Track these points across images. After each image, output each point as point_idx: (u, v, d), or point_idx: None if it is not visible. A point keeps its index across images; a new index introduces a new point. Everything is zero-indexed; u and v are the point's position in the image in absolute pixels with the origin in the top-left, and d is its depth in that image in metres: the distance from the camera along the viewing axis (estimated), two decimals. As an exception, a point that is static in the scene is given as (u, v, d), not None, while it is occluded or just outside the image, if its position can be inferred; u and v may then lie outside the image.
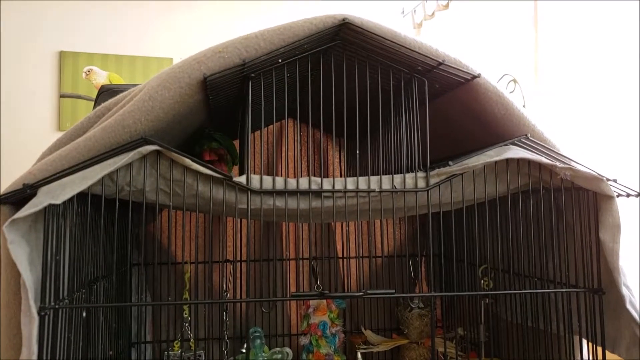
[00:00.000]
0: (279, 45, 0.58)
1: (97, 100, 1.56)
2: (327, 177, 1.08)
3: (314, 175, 1.11)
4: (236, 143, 1.02)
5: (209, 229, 1.00)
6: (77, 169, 0.57)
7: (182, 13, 3.06)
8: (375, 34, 0.60)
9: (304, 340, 0.99)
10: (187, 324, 0.97)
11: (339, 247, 1.07)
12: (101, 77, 2.94)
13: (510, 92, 2.65)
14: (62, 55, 2.89)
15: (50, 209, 0.56)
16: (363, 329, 1.05)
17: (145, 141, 0.57)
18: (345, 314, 1.05)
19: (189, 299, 0.98)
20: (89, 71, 2.93)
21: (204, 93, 0.62)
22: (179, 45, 3.03)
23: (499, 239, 0.74)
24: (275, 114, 0.63)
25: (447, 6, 3.11)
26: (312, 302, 0.99)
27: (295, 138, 1.06)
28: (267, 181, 0.62)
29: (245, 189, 0.61)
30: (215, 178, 0.60)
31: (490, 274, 0.90)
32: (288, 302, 1.04)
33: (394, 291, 0.60)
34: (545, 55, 2.42)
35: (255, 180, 0.62)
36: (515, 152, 0.63)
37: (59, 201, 0.55)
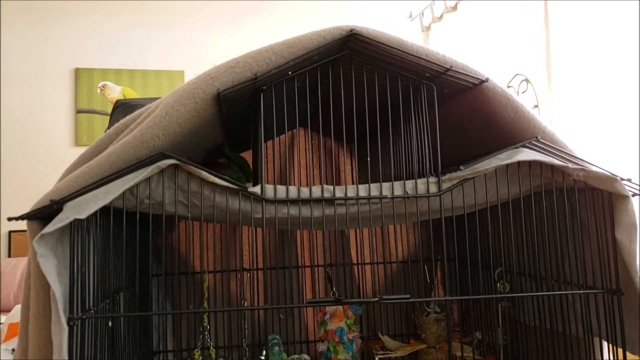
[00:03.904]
0: (289, 58, 0.60)
1: (113, 115, 1.60)
2: (339, 184, 1.10)
3: (327, 183, 1.13)
4: (248, 154, 1.04)
5: (225, 239, 1.02)
6: (99, 184, 0.59)
7: (191, 27, 3.11)
8: (382, 43, 0.61)
9: (321, 347, 1.00)
10: (206, 333, 0.99)
11: (353, 253, 1.08)
12: (115, 91, 3.01)
13: (523, 92, 2.64)
14: (77, 72, 2.97)
15: (75, 224, 0.59)
16: (380, 335, 1.05)
17: (163, 155, 0.59)
18: (361, 320, 1.06)
19: (208, 308, 0.99)
20: (103, 86, 3.01)
21: (217, 107, 0.64)
22: (190, 58, 3.08)
23: (514, 241, 0.74)
24: (287, 124, 0.65)
25: (455, 8, 3.12)
26: (329, 309, 1.00)
27: (307, 146, 1.08)
28: (281, 190, 0.64)
29: (259, 199, 0.63)
30: (231, 189, 0.62)
31: (506, 276, 0.90)
32: (305, 309, 1.05)
33: (409, 296, 0.60)
34: (557, 54, 2.41)
35: (269, 190, 0.63)
36: (526, 154, 0.64)
37: (83, 216, 0.57)
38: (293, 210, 0.63)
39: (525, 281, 0.82)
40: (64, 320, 0.54)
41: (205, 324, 1.00)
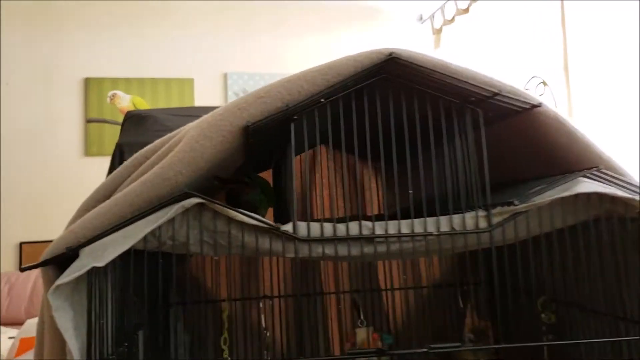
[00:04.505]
0: (322, 87, 0.54)
1: (124, 126, 1.55)
2: (364, 204, 1.05)
3: (350, 202, 1.07)
4: (267, 174, 0.98)
5: (244, 265, 0.97)
6: (118, 228, 0.54)
7: (201, 35, 3.07)
8: (425, 67, 0.55)
9: (350, 379, 0.95)
10: (227, 365, 0.94)
11: (381, 277, 1.03)
12: (125, 100, 2.98)
13: (540, 95, 2.56)
14: (87, 81, 2.94)
15: (93, 271, 0.54)
16: (411, 364, 1.00)
17: (187, 195, 0.54)
18: (390, 348, 1.00)
19: (227, 338, 0.94)
20: (113, 95, 2.97)
21: (244, 138, 0.59)
22: (199, 66, 3.05)
23: (560, 267, 0.68)
24: (308, 141, 0.59)
25: (467, 10, 3.05)
26: (358, 339, 0.95)
27: (329, 165, 1.02)
28: (315, 228, 0.58)
29: (292, 238, 0.57)
30: (261, 228, 0.56)
31: (551, 306, 0.84)
32: (331, 337, 0.99)
33: (459, 344, 0.55)
34: (575, 54, 2.33)
35: (302, 228, 0.58)
36: (586, 185, 0.58)
37: (102, 263, 0.52)
38: (329, 250, 0.58)
39: (575, 313, 0.75)
40: (82, 381, 0.49)
41: (226, 356, 0.95)
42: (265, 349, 0.95)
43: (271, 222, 0.56)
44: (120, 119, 1.62)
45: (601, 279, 0.67)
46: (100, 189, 0.63)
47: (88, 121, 2.98)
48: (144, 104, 3.00)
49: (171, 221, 0.55)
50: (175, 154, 0.54)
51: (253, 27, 3.14)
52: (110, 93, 3.03)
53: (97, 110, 3.00)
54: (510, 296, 0.88)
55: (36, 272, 2.66)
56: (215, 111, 0.56)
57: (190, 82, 3.05)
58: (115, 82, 3.01)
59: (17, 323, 2.23)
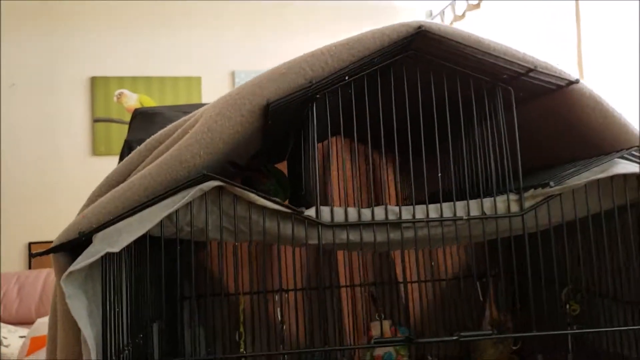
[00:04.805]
0: (348, 62, 0.52)
1: (132, 123, 1.53)
2: (380, 195, 1.02)
3: (367, 194, 1.04)
4: (282, 165, 0.96)
5: (261, 256, 0.94)
6: (133, 212, 0.52)
7: (209, 33, 3.06)
8: (456, 41, 0.53)
9: (368, 374, 0.92)
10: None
11: (398, 270, 1.00)
12: (132, 99, 2.97)
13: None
14: (93, 80, 2.93)
15: (107, 256, 0.51)
16: (430, 358, 0.96)
17: (205, 177, 0.51)
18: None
19: (243, 332, 0.92)
20: (120, 94, 2.96)
21: (263, 119, 0.56)
22: (207, 65, 3.03)
23: (594, 257, 0.64)
24: (325, 131, 0.57)
25: (478, 6, 3.01)
26: (375, 332, 0.92)
27: (344, 156, 0.99)
28: (339, 213, 0.55)
29: (315, 223, 0.54)
30: (283, 213, 0.54)
31: (576, 296, 0.81)
32: (347, 329, 0.96)
33: (492, 332, 0.52)
34: (589, 51, 2.29)
35: (325, 213, 0.55)
36: (623, 166, 0.55)
37: (116, 249, 0.49)
38: (353, 236, 0.55)
39: (601, 303, 0.72)
40: (98, 371, 0.46)
41: (241, 350, 0.92)
42: (281, 343, 0.93)
43: (294, 207, 0.53)
44: (128, 118, 1.59)
45: (625, 267, 0.63)
46: (113, 175, 0.60)
47: (95, 120, 2.97)
48: (151, 103, 2.99)
49: (189, 205, 0.53)
50: (193, 135, 0.52)
51: (261, 25, 3.12)
52: (117, 92, 3.02)
53: (104, 109, 2.99)
54: (534, 286, 0.85)
55: (46, 272, 2.66)
56: (233, 90, 0.53)
57: (197, 80, 3.03)
58: (121, 81, 3.00)
59: (28, 322, 2.22)
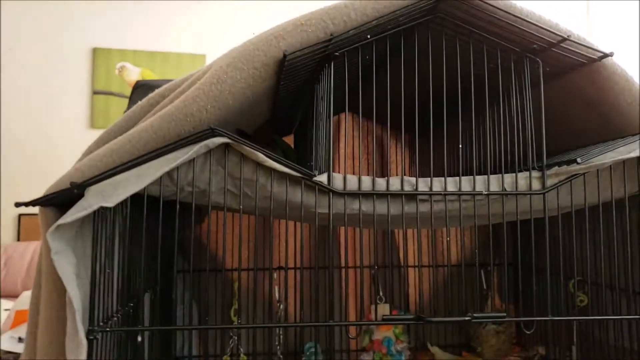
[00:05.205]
0: (372, 17, 0.48)
1: (132, 96, 1.49)
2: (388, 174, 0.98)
3: (376, 174, 1.01)
4: (289, 139, 0.92)
5: (259, 232, 0.91)
6: (131, 165, 0.48)
7: (215, 9, 2.99)
8: (487, 3, 0.49)
9: (366, 358, 0.89)
10: (236, 337, 0.89)
11: (401, 254, 0.97)
12: (134, 73, 2.90)
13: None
14: (94, 52, 2.87)
15: (100, 213, 0.48)
16: (429, 346, 0.94)
17: (212, 132, 0.47)
18: (409, 328, 0.94)
19: (239, 309, 0.89)
20: (121, 67, 2.90)
21: (276, 77, 0.52)
22: (212, 42, 2.96)
23: (601, 248, 0.61)
24: (334, 107, 0.53)
25: None
26: (374, 315, 0.89)
27: (354, 133, 0.96)
28: (352, 181, 0.52)
29: (326, 190, 0.51)
30: (293, 177, 0.50)
31: (583, 287, 0.78)
32: (346, 312, 0.93)
33: (504, 314, 0.49)
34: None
35: (337, 180, 0.52)
36: (655, 147, 0.51)
37: (111, 204, 0.46)
38: (365, 206, 0.52)
39: (609, 295, 0.69)
40: (82, 335, 0.43)
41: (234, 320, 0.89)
42: (277, 321, 0.90)
43: (305, 169, 0.50)
44: (128, 92, 1.54)
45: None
46: (113, 128, 0.56)
47: (95, 93, 2.91)
48: (153, 78, 2.93)
49: (191, 163, 0.49)
50: (200, 86, 0.48)
51: (266, 2, 3.05)
52: (118, 65, 2.95)
53: (105, 81, 2.93)
54: (540, 277, 0.82)
55: (34, 246, 2.61)
56: (247, 40, 0.49)
57: (201, 58, 2.97)
58: (124, 54, 2.93)
59: (14, 295, 2.18)
